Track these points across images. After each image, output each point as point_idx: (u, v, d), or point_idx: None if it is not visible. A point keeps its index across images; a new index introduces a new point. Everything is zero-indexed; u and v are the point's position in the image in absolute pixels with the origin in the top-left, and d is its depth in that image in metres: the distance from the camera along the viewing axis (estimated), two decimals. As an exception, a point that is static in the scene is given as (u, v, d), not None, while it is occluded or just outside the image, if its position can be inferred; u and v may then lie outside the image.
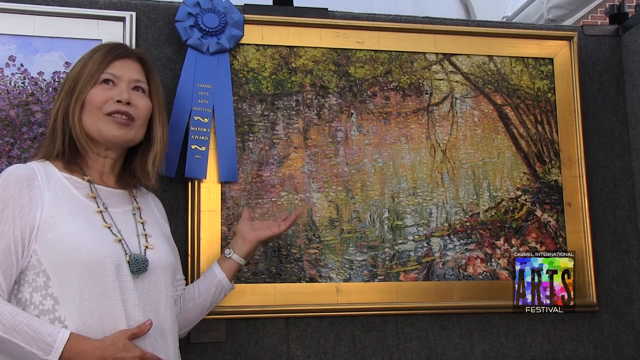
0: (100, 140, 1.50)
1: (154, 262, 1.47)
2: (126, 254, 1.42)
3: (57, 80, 1.87)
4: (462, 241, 2.07)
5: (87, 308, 1.34)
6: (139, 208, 1.56)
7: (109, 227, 1.44)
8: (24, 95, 1.84)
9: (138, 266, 1.42)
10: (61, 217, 1.38)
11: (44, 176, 1.42)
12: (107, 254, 1.38)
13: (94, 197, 1.47)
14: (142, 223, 1.53)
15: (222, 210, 1.92)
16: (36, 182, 1.40)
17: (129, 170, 1.59)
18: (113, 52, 1.55)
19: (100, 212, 1.46)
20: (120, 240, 1.43)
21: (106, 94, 1.50)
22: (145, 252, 1.47)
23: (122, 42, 1.87)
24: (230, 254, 1.72)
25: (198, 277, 1.80)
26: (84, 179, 1.48)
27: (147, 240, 1.50)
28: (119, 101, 1.49)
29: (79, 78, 1.50)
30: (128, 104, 1.50)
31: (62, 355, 1.28)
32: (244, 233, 1.74)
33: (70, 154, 1.49)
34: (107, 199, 1.50)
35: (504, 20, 3.21)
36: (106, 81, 1.51)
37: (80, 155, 1.51)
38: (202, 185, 1.91)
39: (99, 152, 1.52)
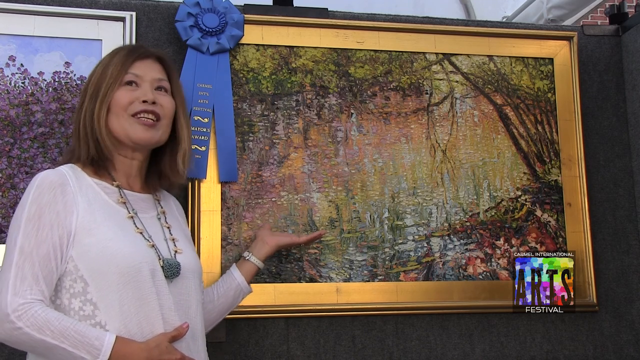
0: (127, 142, 1.49)
1: (185, 266, 1.48)
2: (159, 258, 1.43)
3: (57, 80, 1.87)
4: (462, 241, 2.07)
5: (127, 312, 1.35)
6: (163, 212, 1.57)
7: (140, 233, 1.45)
8: (24, 95, 1.84)
9: (172, 271, 1.44)
10: (96, 223, 1.39)
11: (75, 182, 1.42)
12: (143, 259, 1.39)
13: (124, 203, 1.47)
14: (168, 227, 1.54)
15: (222, 210, 1.92)
16: (69, 188, 1.40)
17: (156, 171, 1.59)
18: (133, 53, 1.54)
19: (131, 217, 1.46)
20: (153, 246, 1.44)
21: (131, 95, 1.49)
22: (175, 257, 1.48)
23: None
24: (248, 256, 1.76)
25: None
26: (112, 184, 1.49)
27: (175, 245, 1.51)
28: (144, 101, 1.49)
29: (102, 81, 1.49)
30: (154, 103, 1.50)
31: (110, 358, 1.29)
32: (264, 237, 1.81)
33: (99, 158, 1.48)
34: (136, 204, 1.50)
35: (504, 20, 3.21)
36: (129, 82, 1.50)
37: (108, 158, 1.50)
38: (202, 185, 1.91)
39: (126, 154, 1.51)
